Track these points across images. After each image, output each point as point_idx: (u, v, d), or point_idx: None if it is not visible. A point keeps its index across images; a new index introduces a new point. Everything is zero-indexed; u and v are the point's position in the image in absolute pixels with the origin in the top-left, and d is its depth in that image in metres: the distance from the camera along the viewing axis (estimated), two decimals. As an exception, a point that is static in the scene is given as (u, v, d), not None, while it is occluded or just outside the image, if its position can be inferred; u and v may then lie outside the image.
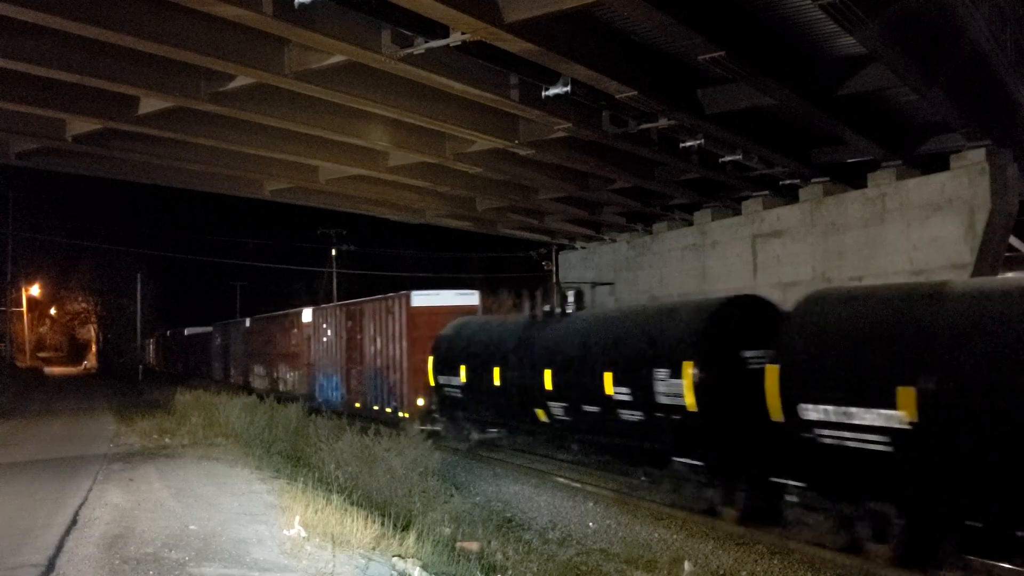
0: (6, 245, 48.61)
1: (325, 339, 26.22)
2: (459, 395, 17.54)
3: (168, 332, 59.52)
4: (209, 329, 46.66)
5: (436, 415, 19.24)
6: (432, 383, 18.77)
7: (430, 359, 18.69)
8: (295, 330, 29.33)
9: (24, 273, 57.39)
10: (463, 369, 17.17)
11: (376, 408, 21.83)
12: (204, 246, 56.72)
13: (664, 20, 10.70)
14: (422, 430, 17.48)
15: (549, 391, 14.08)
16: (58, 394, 35.11)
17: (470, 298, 21.96)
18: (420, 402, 19.85)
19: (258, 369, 34.38)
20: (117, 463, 12.94)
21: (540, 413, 14.61)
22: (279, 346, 31.35)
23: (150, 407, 23.26)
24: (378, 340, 22.01)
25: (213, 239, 56.75)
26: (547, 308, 16.07)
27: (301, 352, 28.58)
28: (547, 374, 14.12)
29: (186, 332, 52.38)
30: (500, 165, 19.92)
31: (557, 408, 14.02)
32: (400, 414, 20.31)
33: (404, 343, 20.56)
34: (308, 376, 27.80)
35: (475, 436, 17.96)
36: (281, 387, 30.27)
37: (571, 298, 15.81)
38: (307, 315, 28.24)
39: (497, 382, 15.82)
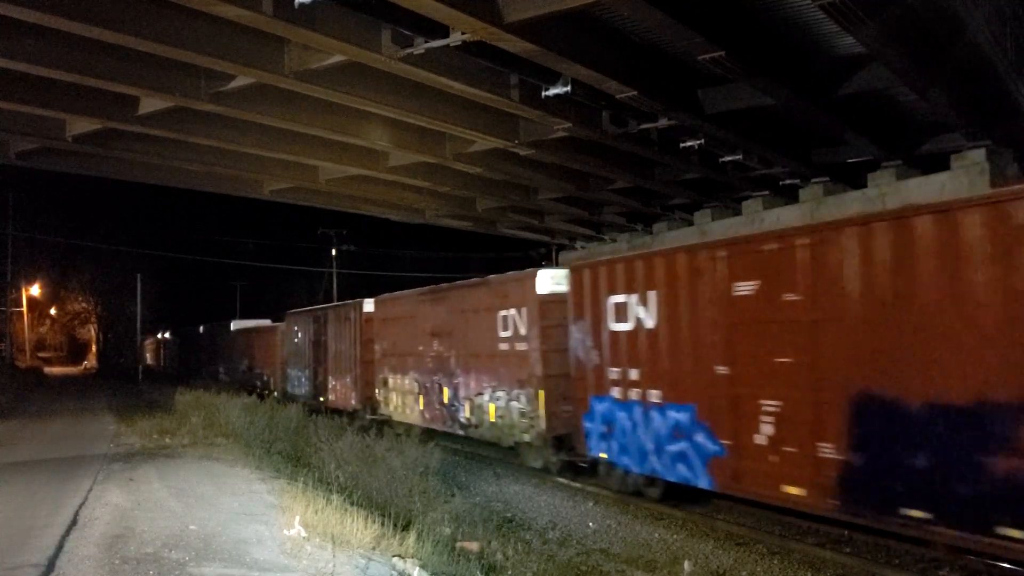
0: (6, 245, 48.59)
1: (655, 324, 11.68)
2: None
3: (200, 328, 47.66)
4: (268, 323, 35.16)
5: None
6: None
7: None
8: (513, 312, 15.25)
9: (24, 273, 57.34)
10: None
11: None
12: (204, 246, 56.66)
13: (664, 20, 10.71)
14: None
15: None
16: (58, 394, 35.10)
17: None
18: None
19: (402, 382, 19.74)
20: (117, 463, 12.93)
21: None
22: (467, 345, 16.95)
23: (150, 407, 23.24)
24: None
25: (213, 239, 56.77)
26: None
27: (531, 355, 14.72)
28: None
29: (233, 327, 39.58)
30: (500, 165, 19.94)
31: None
32: None
33: None
34: (564, 402, 14.03)
35: None
36: (469, 418, 16.64)
37: None
38: (549, 281, 14.61)
39: None
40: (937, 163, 18.13)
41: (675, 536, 10.62)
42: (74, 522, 8.57)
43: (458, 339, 17.24)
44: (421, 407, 18.61)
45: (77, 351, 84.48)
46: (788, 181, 21.35)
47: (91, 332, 78.09)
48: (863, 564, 9.11)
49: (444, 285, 18.67)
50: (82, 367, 71.94)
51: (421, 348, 18.75)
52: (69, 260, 61.60)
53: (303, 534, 7.82)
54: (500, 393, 15.57)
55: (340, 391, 23.22)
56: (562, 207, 26.02)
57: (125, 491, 10.27)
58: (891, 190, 19.01)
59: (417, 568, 7.31)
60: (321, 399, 23.99)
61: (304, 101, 15.23)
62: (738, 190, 22.97)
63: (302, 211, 32.06)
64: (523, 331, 14.92)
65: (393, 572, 7.16)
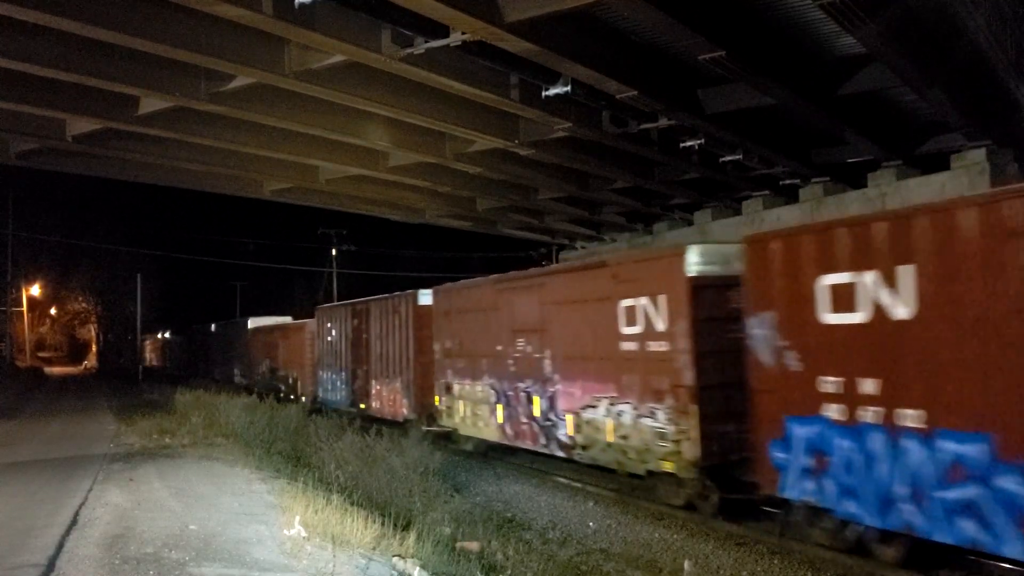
0: (6, 245, 48.62)
1: (913, 313, 8.17)
2: None
3: (212, 327, 43.72)
4: (289, 320, 31.75)
5: None
6: None
7: None
8: (644, 301, 11.79)
9: (24, 273, 57.39)
10: None
11: None
12: (204, 246, 56.66)
13: (664, 20, 10.72)
14: None
15: None
16: (58, 394, 35.11)
17: None
18: None
19: (473, 389, 16.32)
20: (117, 463, 12.93)
21: None
22: (569, 343, 13.49)
23: (150, 407, 23.24)
24: None
25: (213, 239, 56.78)
26: None
27: (676, 358, 11.21)
28: None
29: (250, 324, 35.68)
30: (500, 165, 19.95)
31: None
32: None
33: None
34: (728, 421, 10.89)
35: None
36: (573, 437, 13.29)
37: None
38: (700, 260, 11.46)
39: None
40: (937, 163, 18.14)
41: (675, 536, 10.61)
42: (74, 522, 8.57)
43: (556, 336, 13.74)
44: (500, 420, 15.25)
45: (77, 351, 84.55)
46: (788, 181, 21.37)
47: (91, 332, 78.18)
48: (863, 564, 9.10)
49: (534, 270, 15.65)
50: (82, 367, 71.95)
51: (500, 348, 15.33)
52: (69, 260, 61.69)
53: (303, 534, 7.82)
54: (623, 406, 12.12)
55: (387, 397, 19.81)
56: (562, 207, 26.03)
57: (125, 491, 10.27)
58: (891, 190, 19.02)
59: (417, 568, 7.31)
60: (361, 406, 20.81)
61: (304, 101, 15.23)
62: (738, 190, 22.98)
63: (302, 211, 32.09)
64: (661, 326, 11.42)
65: (393, 572, 7.16)
